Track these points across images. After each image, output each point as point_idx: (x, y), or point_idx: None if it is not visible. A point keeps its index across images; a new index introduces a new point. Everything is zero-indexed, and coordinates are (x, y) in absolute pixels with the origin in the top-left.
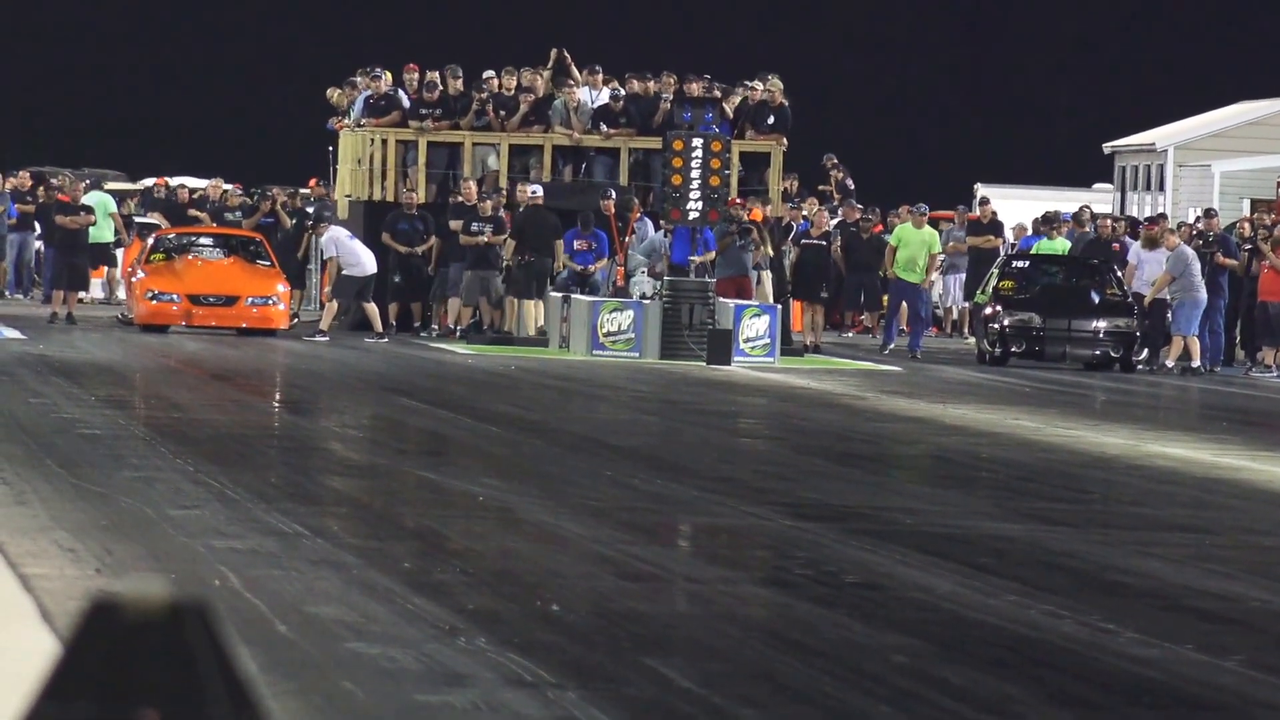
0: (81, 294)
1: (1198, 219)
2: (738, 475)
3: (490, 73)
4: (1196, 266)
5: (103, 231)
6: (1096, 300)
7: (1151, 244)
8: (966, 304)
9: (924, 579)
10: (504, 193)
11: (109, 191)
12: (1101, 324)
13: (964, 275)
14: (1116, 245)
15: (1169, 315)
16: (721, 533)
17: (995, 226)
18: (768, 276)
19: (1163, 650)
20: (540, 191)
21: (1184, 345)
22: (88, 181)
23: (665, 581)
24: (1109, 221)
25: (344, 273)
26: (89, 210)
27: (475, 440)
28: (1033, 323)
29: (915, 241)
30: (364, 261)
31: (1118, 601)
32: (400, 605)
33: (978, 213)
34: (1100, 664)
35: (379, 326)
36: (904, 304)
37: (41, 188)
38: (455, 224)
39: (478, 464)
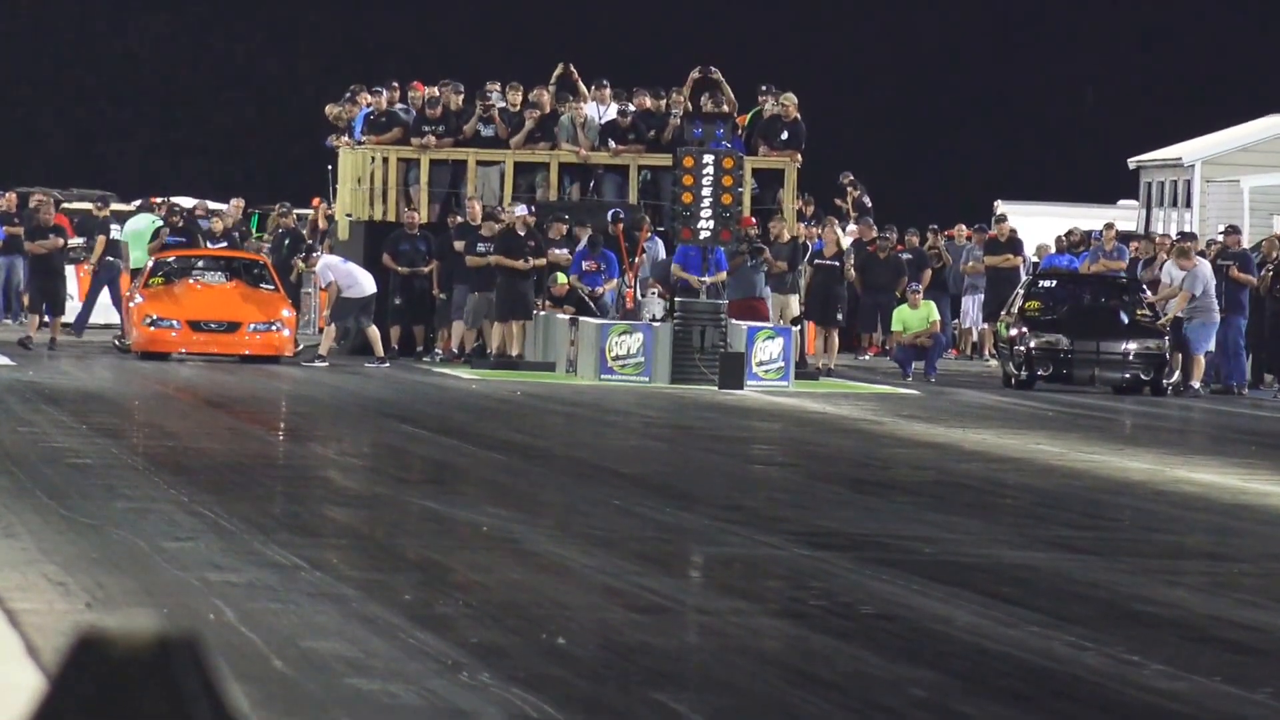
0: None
1: (1220, 234)
2: (750, 503)
3: (495, 88)
4: (1213, 285)
5: (144, 257)
6: (1126, 321)
7: (1183, 256)
8: (986, 325)
9: (943, 610)
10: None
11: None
12: (1132, 346)
13: (983, 295)
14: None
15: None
16: (734, 563)
17: (1014, 245)
18: (794, 299)
19: (1190, 682)
20: (523, 210)
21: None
22: (57, 196)
23: (676, 613)
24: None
25: (343, 295)
26: (58, 232)
27: (479, 468)
28: (1060, 344)
29: (915, 319)
30: (361, 281)
31: (1143, 632)
32: (402, 639)
33: (995, 230)
34: (1125, 697)
35: (380, 351)
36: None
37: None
38: (459, 244)
39: (482, 493)
